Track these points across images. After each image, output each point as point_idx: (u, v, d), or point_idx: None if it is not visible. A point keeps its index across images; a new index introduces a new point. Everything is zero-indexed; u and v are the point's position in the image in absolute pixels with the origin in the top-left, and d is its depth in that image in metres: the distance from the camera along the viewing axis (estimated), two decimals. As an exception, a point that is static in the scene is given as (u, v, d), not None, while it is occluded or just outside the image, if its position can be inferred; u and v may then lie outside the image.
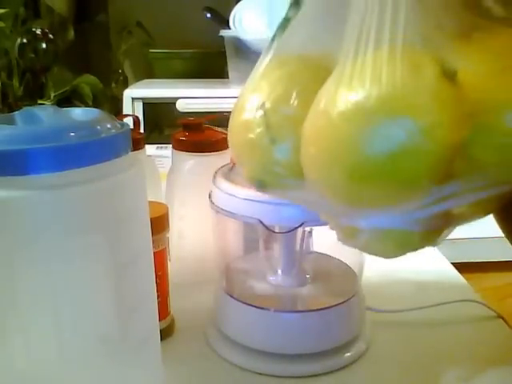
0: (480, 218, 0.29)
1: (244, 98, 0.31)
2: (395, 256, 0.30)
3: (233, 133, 0.32)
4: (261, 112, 0.29)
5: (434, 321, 0.50)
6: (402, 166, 0.25)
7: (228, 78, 1.23)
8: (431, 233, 0.29)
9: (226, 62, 1.22)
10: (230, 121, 0.32)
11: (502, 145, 0.25)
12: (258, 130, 0.29)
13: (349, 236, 0.30)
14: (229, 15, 1.21)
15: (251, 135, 0.30)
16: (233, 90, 1.14)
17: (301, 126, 0.28)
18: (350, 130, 0.25)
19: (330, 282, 0.49)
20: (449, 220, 0.28)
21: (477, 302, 0.53)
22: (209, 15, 1.29)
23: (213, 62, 1.33)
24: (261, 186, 0.32)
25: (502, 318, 0.51)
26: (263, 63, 0.32)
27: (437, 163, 0.25)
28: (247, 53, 1.13)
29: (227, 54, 1.21)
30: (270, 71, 0.31)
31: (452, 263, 0.64)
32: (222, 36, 1.19)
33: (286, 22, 0.31)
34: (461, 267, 0.63)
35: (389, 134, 0.24)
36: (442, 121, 0.24)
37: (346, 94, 0.25)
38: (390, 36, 0.25)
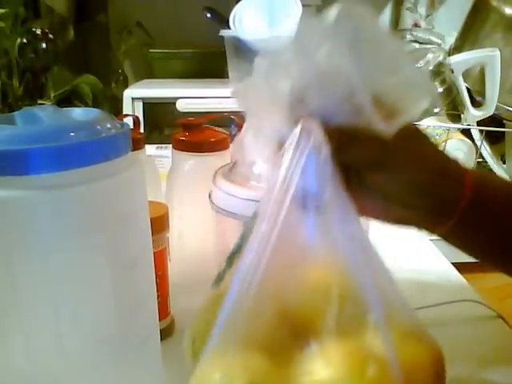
0: None
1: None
2: None
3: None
4: None
5: (434, 321, 0.50)
6: None
7: (228, 77, 1.23)
8: None
9: (226, 62, 1.22)
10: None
11: None
12: None
13: None
14: (229, 15, 1.21)
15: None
16: (233, 90, 1.14)
17: None
18: None
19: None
20: None
21: (477, 301, 0.53)
22: (209, 15, 1.29)
23: (213, 61, 1.33)
24: None
25: (502, 318, 0.51)
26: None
27: None
28: (247, 53, 1.13)
29: (227, 54, 1.20)
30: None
31: (452, 263, 0.64)
32: (222, 36, 1.19)
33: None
34: (461, 267, 0.62)
35: None
36: None
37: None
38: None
